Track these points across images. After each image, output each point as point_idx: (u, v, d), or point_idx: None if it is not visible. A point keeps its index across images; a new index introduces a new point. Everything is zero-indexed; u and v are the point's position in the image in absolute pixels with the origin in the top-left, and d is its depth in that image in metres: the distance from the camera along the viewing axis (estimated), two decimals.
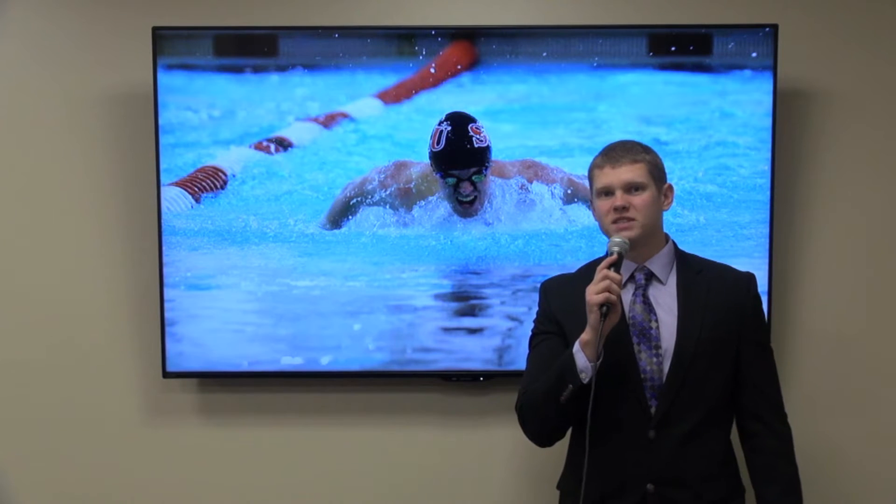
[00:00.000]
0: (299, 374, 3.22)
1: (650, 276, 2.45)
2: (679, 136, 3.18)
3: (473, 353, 3.18)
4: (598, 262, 2.43)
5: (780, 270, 3.21)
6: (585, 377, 2.30)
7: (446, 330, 3.19)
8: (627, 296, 2.43)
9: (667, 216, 2.51)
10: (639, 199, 2.38)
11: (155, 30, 3.14)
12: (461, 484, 3.31)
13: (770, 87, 3.12)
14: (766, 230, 3.14)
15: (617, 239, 2.36)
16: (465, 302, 3.19)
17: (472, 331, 3.19)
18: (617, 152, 2.42)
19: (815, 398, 3.27)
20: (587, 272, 2.45)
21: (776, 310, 3.17)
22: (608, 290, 2.26)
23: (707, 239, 3.12)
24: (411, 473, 3.32)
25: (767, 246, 3.14)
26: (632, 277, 2.45)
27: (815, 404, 3.27)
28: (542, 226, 3.18)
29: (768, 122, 3.13)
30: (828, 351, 3.28)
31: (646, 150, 2.45)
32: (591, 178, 2.46)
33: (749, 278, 2.49)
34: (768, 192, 3.14)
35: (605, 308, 2.26)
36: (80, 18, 3.29)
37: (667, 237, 2.50)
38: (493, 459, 3.30)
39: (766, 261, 3.13)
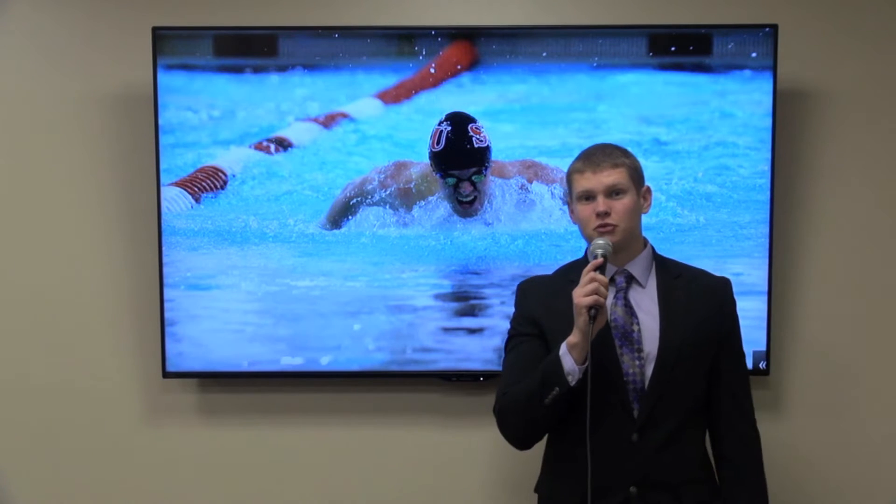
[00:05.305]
0: (299, 374, 3.22)
1: (630, 280, 2.44)
2: (679, 136, 3.18)
3: (473, 353, 3.18)
4: (575, 264, 2.46)
5: (779, 270, 3.21)
6: (573, 380, 2.29)
7: (446, 330, 3.19)
8: (609, 299, 2.40)
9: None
10: (620, 204, 2.37)
11: (155, 30, 3.14)
12: (461, 484, 3.31)
13: (770, 87, 3.12)
14: (766, 230, 3.14)
15: (600, 241, 2.34)
16: (465, 302, 3.19)
17: (472, 331, 3.19)
18: (598, 157, 2.40)
19: (813, 399, 3.27)
20: (565, 274, 2.47)
21: (775, 309, 3.17)
22: (596, 292, 2.25)
23: (707, 239, 3.11)
24: (411, 473, 3.32)
25: (767, 246, 3.14)
26: (612, 280, 2.43)
27: (813, 406, 3.27)
28: (542, 226, 3.18)
29: (768, 122, 3.13)
30: (827, 350, 3.28)
31: (625, 154, 2.44)
32: (569, 182, 2.44)
33: (726, 283, 2.49)
34: (768, 192, 3.14)
35: (593, 311, 2.25)
36: (80, 18, 3.29)
37: (645, 241, 2.49)
38: (493, 459, 3.29)
39: (766, 261, 3.13)
